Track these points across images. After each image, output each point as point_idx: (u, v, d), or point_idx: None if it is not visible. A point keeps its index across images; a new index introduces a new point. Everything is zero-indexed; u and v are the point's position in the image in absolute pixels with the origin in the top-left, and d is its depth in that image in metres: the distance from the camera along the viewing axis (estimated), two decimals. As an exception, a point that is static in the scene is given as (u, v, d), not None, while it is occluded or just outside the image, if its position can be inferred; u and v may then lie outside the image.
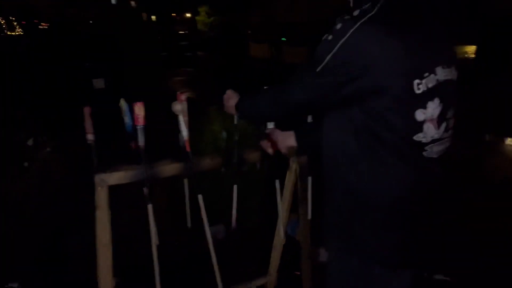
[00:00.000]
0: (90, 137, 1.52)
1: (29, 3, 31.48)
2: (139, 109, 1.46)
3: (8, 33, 20.60)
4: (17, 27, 21.77)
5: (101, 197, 1.47)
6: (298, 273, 2.16)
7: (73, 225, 2.74)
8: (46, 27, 26.46)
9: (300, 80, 1.20)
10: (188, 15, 46.21)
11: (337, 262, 1.31)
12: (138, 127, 1.48)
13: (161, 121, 2.33)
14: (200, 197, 1.60)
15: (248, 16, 33.59)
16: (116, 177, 1.48)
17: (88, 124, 1.51)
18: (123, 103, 1.49)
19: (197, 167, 1.59)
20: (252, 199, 2.86)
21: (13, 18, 21.84)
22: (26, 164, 2.73)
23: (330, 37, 1.08)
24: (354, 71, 1.04)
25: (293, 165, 1.82)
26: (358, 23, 1.04)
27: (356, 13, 1.08)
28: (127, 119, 1.50)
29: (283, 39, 25.80)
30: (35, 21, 26.70)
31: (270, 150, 1.63)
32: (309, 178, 1.78)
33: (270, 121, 1.62)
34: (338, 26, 1.08)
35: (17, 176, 2.69)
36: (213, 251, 1.68)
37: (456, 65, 1.17)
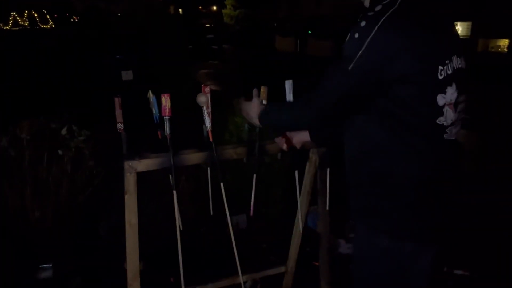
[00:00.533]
0: (120, 126, 1.62)
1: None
2: (166, 101, 1.55)
3: (41, 25, 21.27)
4: (50, 20, 22.43)
5: (130, 183, 1.56)
6: (317, 263, 2.21)
7: (105, 210, 2.89)
8: (77, 20, 27.20)
9: (332, 80, 1.21)
10: (215, 8, 46.42)
11: (367, 244, 1.36)
12: (165, 117, 1.57)
13: (187, 112, 2.40)
14: (222, 185, 1.67)
15: (274, 9, 33.45)
16: (144, 164, 1.57)
17: (118, 113, 1.61)
18: (150, 95, 1.58)
19: (219, 157, 1.66)
20: (275, 189, 2.93)
21: (45, 11, 22.52)
22: (60, 151, 2.88)
23: (356, 35, 1.11)
24: (382, 64, 1.10)
25: (313, 157, 1.87)
26: (382, 19, 1.09)
27: (378, 8, 1.12)
28: (154, 110, 1.58)
29: (309, 32, 25.60)
30: (67, 14, 27.44)
31: (284, 146, 1.68)
32: (328, 170, 1.83)
33: (301, 129, 1.62)
34: (363, 23, 1.11)
35: (52, 162, 2.84)
36: (234, 239, 1.76)
37: (464, 56, 1.26)
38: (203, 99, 1.61)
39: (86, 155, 3.06)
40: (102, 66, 6.68)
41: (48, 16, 22.23)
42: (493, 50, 17.62)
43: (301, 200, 1.94)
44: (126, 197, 1.57)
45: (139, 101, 2.01)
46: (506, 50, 16.30)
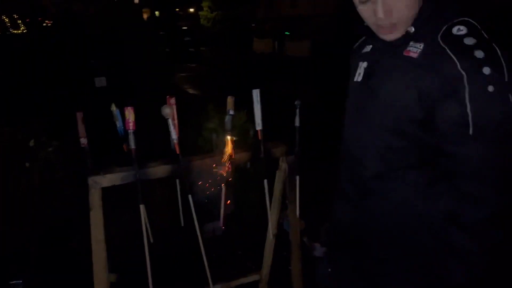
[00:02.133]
0: (83, 140, 1.58)
1: (34, 0, 31.63)
2: (129, 114, 1.51)
3: (12, 31, 20.73)
4: (21, 25, 21.90)
5: (95, 199, 1.53)
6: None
7: (73, 224, 2.82)
8: (50, 24, 26.62)
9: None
10: (192, 10, 46.16)
11: None
12: (129, 131, 1.53)
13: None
14: (190, 197, 1.65)
15: (251, 10, 33.48)
16: (109, 179, 1.54)
17: (81, 128, 1.57)
18: (114, 108, 1.54)
19: (186, 169, 1.64)
20: (250, 195, 2.92)
21: (17, 16, 21.96)
22: (27, 164, 2.80)
23: (491, 89, 0.87)
24: None
25: (282, 165, 1.87)
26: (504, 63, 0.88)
27: (480, 54, 0.89)
28: (118, 123, 1.55)
29: (286, 33, 25.72)
30: (39, 18, 26.83)
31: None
32: (297, 177, 1.83)
33: None
34: (488, 71, 0.87)
35: (18, 176, 2.76)
36: (203, 248, 1.74)
37: None
38: (168, 110, 1.58)
39: (55, 166, 2.99)
40: (74, 73, 6.54)
41: (19, 21, 21.69)
42: None
43: (272, 207, 1.94)
44: (91, 213, 1.54)
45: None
46: None
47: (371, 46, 1.16)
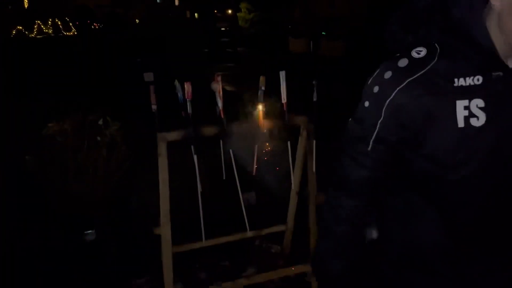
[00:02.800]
0: (154, 107, 2.14)
1: (82, 4, 33.64)
2: (188, 87, 2.06)
3: (65, 33, 22.27)
4: (72, 27, 23.48)
5: (162, 148, 2.08)
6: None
7: (132, 188, 3.44)
8: (98, 26, 28.22)
9: None
10: (230, 12, 47.20)
11: None
12: (188, 99, 2.08)
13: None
14: (231, 152, 2.18)
15: (288, 11, 33.94)
16: (173, 135, 2.09)
17: (153, 97, 2.14)
18: (177, 83, 2.09)
19: (229, 129, 2.17)
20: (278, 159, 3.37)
21: (68, 19, 23.57)
22: (99, 138, 3.44)
23: None
24: None
25: (303, 132, 2.36)
26: None
27: None
28: (179, 94, 2.10)
29: (323, 33, 25.94)
30: (88, 21, 28.51)
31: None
32: (314, 141, 2.31)
33: None
34: None
35: (92, 147, 3.40)
36: (242, 200, 2.26)
37: None
38: (216, 85, 2.12)
39: (118, 141, 3.62)
40: (125, 68, 7.30)
41: (70, 24, 23.29)
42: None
43: (296, 167, 2.44)
44: (159, 159, 2.09)
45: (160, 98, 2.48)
46: None
47: (479, 77, 0.92)
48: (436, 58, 0.93)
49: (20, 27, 20.51)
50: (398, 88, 0.94)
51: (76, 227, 3.28)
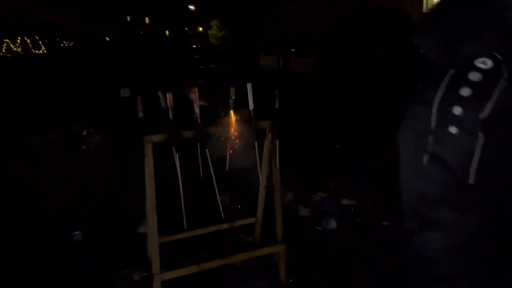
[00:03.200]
0: (140, 114, 2.51)
1: (51, 22, 33.42)
2: (170, 97, 2.45)
3: (34, 51, 22.16)
4: (42, 45, 23.38)
5: (148, 149, 2.44)
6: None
7: (115, 190, 3.76)
8: (67, 44, 28.14)
9: None
10: (201, 29, 47.85)
11: None
12: (170, 107, 2.46)
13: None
14: (207, 151, 2.57)
15: (258, 29, 34.85)
16: (157, 137, 2.46)
17: (140, 106, 2.51)
18: (160, 93, 2.48)
19: (205, 133, 2.56)
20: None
21: (38, 37, 23.48)
22: (83, 147, 3.76)
23: None
24: None
25: (268, 134, 2.77)
26: None
27: None
28: (162, 103, 2.48)
29: (292, 50, 26.80)
30: (58, 39, 28.39)
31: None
32: (277, 141, 2.74)
33: None
34: None
35: (77, 155, 3.71)
36: (218, 194, 2.65)
37: None
38: (193, 96, 2.51)
39: (102, 150, 3.94)
40: (102, 85, 7.59)
41: (40, 42, 23.19)
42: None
43: (263, 162, 2.85)
44: (145, 158, 2.45)
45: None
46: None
47: None
48: (504, 69, 0.88)
49: (-12, 45, 20.30)
50: (487, 103, 0.87)
51: (64, 228, 3.55)
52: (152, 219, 2.48)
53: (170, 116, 2.48)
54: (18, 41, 21.81)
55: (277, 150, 2.74)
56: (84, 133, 3.93)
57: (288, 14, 30.51)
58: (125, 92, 7.04)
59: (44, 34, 26.60)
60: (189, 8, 45.18)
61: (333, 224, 3.49)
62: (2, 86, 8.88)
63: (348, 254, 3.11)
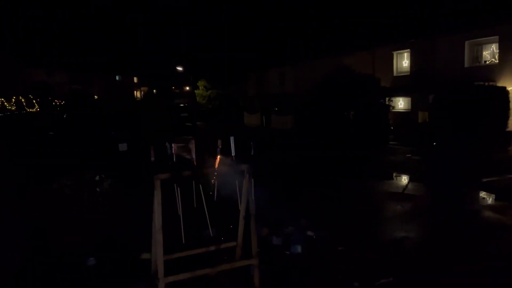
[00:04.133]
0: (152, 158, 3.46)
1: (42, 81, 34.90)
2: (175, 146, 3.42)
3: (28, 109, 23.19)
4: (35, 104, 24.49)
5: (157, 184, 3.36)
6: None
7: (124, 223, 4.59)
8: (59, 103, 29.28)
9: None
10: (187, 88, 50.03)
11: None
12: (174, 154, 3.43)
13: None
14: (200, 186, 3.50)
15: (243, 89, 36.91)
16: (163, 176, 3.38)
17: (152, 153, 3.46)
18: (167, 143, 3.45)
19: (199, 173, 3.50)
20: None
21: (32, 96, 24.65)
22: (98, 189, 4.63)
23: None
24: None
25: (246, 174, 3.72)
26: None
27: None
28: (168, 150, 3.45)
29: (275, 109, 28.48)
30: (49, 98, 29.60)
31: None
32: (252, 180, 3.68)
33: None
34: None
35: (92, 196, 4.57)
36: (209, 223, 3.54)
37: None
38: (191, 145, 3.49)
39: (112, 192, 4.81)
40: (102, 140, 8.56)
41: (34, 101, 24.32)
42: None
43: (242, 196, 3.77)
44: (155, 191, 3.36)
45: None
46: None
47: None
48: None
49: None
50: None
51: (80, 255, 4.32)
52: (159, 235, 3.35)
53: (174, 160, 3.44)
54: (13, 100, 22.89)
55: (253, 187, 3.68)
56: (97, 178, 4.80)
57: (270, 76, 32.71)
58: (123, 147, 7.99)
59: (37, 93, 27.81)
60: (177, 69, 47.55)
61: (298, 249, 4.36)
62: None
63: (310, 270, 3.96)
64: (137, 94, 61.17)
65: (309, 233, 4.82)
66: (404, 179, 8.55)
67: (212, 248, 3.86)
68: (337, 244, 4.55)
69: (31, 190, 5.03)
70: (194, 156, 3.49)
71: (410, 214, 5.82)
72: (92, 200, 4.59)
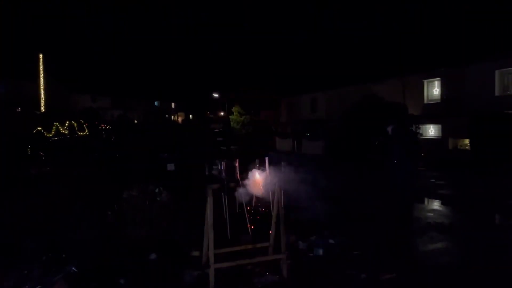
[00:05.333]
0: (207, 172, 4.54)
1: (89, 107, 37.69)
2: (223, 163, 4.49)
3: (79, 133, 25.30)
4: (86, 128, 26.66)
5: (209, 193, 4.42)
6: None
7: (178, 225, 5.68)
8: (104, 127, 31.50)
9: None
10: (222, 113, 51.94)
11: None
12: (223, 168, 4.49)
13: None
14: (241, 196, 4.54)
15: (275, 114, 38.19)
16: (215, 186, 4.44)
17: (207, 168, 4.55)
18: (218, 161, 4.53)
19: (242, 184, 4.53)
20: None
21: (83, 121, 26.88)
22: (158, 199, 5.75)
23: None
24: None
25: (277, 188, 4.72)
26: None
27: None
28: (219, 166, 4.52)
29: (307, 134, 29.44)
30: (96, 122, 31.93)
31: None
32: (282, 191, 4.68)
33: None
34: None
35: (153, 204, 5.69)
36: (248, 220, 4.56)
37: None
38: (236, 164, 4.55)
39: (168, 202, 5.92)
40: (155, 161, 9.91)
41: (84, 126, 26.51)
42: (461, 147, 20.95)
43: (274, 203, 4.76)
44: (208, 198, 4.41)
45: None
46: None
47: None
48: None
49: (40, 128, 23.52)
50: None
51: (144, 252, 5.40)
52: (211, 232, 4.38)
53: (223, 174, 4.50)
54: (66, 124, 25.09)
55: (283, 198, 4.67)
56: (157, 190, 5.94)
57: (302, 102, 33.86)
58: (170, 167, 9.22)
59: (86, 118, 30.13)
60: (212, 96, 49.68)
61: (320, 252, 5.27)
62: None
63: (327, 266, 4.87)
64: (175, 118, 64.04)
65: (330, 240, 5.71)
66: (435, 204, 9.30)
67: (250, 246, 4.84)
68: (353, 249, 5.42)
69: (108, 197, 6.26)
70: (238, 171, 4.53)
71: (432, 229, 6.62)
72: (153, 207, 5.71)
